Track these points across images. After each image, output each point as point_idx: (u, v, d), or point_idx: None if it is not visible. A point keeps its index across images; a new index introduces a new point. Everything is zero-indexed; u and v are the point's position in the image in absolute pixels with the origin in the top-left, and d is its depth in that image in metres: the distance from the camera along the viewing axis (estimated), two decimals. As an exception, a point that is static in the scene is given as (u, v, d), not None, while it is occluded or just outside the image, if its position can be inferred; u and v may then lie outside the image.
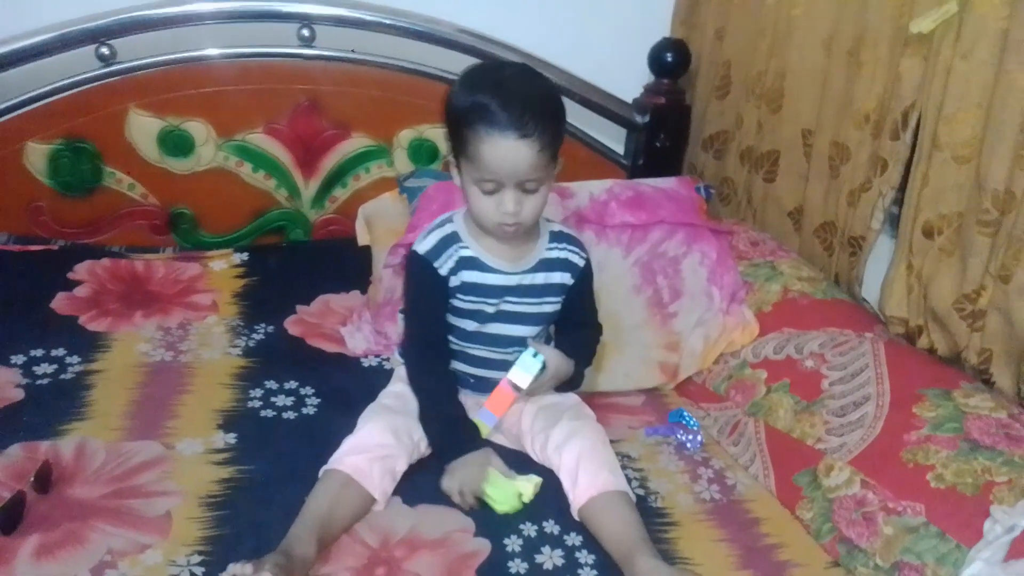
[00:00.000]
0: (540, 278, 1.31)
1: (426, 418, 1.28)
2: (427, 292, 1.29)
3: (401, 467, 1.20)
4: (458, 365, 1.35)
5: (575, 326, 1.37)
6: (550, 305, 1.33)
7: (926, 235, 1.43)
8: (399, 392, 1.33)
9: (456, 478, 1.20)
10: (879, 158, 1.52)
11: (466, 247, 1.28)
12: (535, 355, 1.29)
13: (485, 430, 1.28)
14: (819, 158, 1.69)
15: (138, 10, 1.66)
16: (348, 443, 1.19)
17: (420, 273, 1.28)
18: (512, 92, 1.16)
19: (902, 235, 1.48)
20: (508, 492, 1.20)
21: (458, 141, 1.21)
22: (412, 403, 1.30)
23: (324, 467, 1.17)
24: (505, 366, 1.31)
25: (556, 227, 1.37)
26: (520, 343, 1.32)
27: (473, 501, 1.19)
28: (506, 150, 1.16)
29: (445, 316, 1.31)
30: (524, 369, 1.29)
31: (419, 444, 1.26)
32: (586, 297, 1.38)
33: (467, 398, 1.34)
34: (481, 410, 1.29)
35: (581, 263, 1.35)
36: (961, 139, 1.34)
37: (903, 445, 1.21)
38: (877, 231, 1.56)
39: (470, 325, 1.31)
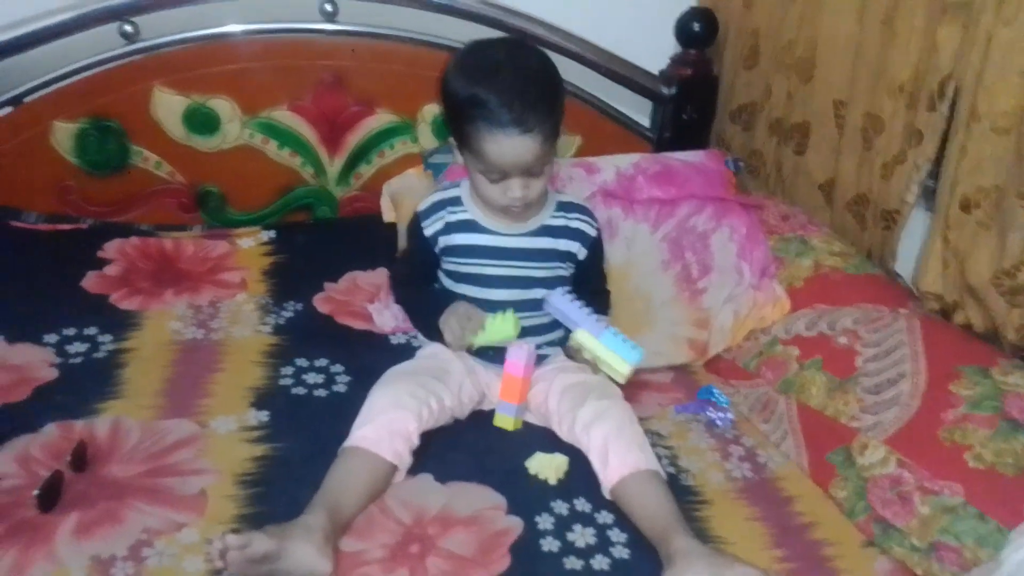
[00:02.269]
0: (543, 242, 1.33)
1: (417, 316, 1.40)
2: (412, 246, 1.39)
3: (412, 425, 1.18)
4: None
5: (588, 293, 1.38)
6: (557, 270, 1.34)
7: (963, 209, 1.40)
8: (417, 358, 1.36)
9: (450, 324, 1.26)
10: (914, 129, 1.49)
11: (464, 210, 1.31)
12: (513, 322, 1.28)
13: (510, 423, 1.26)
14: (851, 129, 1.65)
15: (160, -13, 1.66)
16: (356, 422, 1.20)
17: (411, 228, 1.38)
18: (510, 85, 1.16)
19: (938, 209, 1.45)
20: (501, 322, 1.24)
21: (459, 133, 1.22)
22: (426, 362, 1.32)
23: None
24: (521, 333, 1.31)
25: (565, 197, 1.39)
26: (531, 307, 1.33)
27: (474, 331, 1.25)
28: (509, 147, 1.17)
29: (425, 272, 1.39)
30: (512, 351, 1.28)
31: (443, 400, 1.25)
32: (598, 265, 1.42)
33: (488, 371, 1.34)
34: (498, 404, 1.29)
35: (593, 232, 1.37)
36: (1001, 109, 1.31)
37: (940, 424, 1.19)
38: (912, 205, 1.52)
39: (473, 290, 1.33)
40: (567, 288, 1.34)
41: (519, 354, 1.26)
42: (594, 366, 1.30)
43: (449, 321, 1.28)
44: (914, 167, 1.49)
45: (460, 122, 1.20)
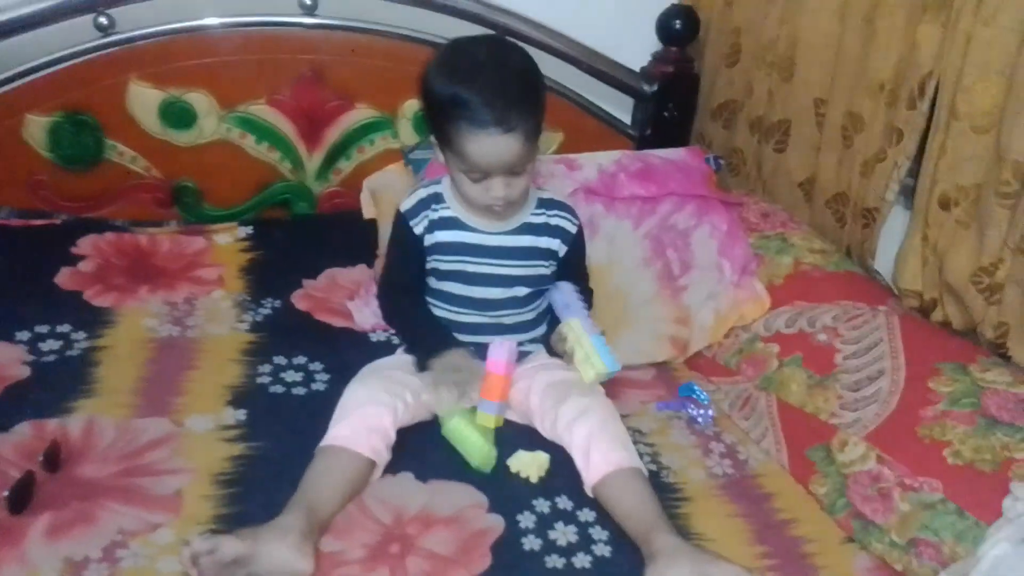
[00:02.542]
0: (525, 240, 1.32)
1: (405, 335, 1.37)
2: (402, 247, 1.35)
3: (388, 420, 1.18)
4: (453, 331, 1.35)
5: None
6: (539, 268, 1.34)
7: (942, 207, 1.40)
8: (395, 355, 1.36)
9: (441, 373, 1.23)
10: (894, 128, 1.49)
11: (447, 207, 1.31)
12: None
13: (491, 421, 1.26)
14: (832, 128, 1.66)
15: (136, -23, 1.63)
16: (331, 421, 1.18)
17: (398, 229, 1.34)
18: (491, 84, 1.16)
19: (917, 207, 1.46)
20: (480, 446, 1.20)
21: (440, 133, 1.21)
22: (403, 358, 1.33)
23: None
24: (501, 330, 1.32)
25: (546, 194, 1.38)
26: (513, 305, 1.33)
27: (457, 389, 1.21)
28: (491, 146, 1.16)
29: (418, 272, 1.35)
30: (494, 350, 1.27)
31: (419, 394, 1.24)
32: (580, 263, 1.41)
33: None
34: (479, 403, 1.27)
35: (574, 230, 1.37)
36: (980, 108, 1.32)
37: (919, 420, 1.20)
38: (891, 203, 1.53)
39: (456, 288, 1.33)
40: (577, 288, 1.35)
41: (500, 352, 1.25)
42: (569, 357, 1.29)
43: (438, 376, 1.24)
44: (894, 165, 1.50)
45: (441, 121, 1.19)
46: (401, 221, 1.33)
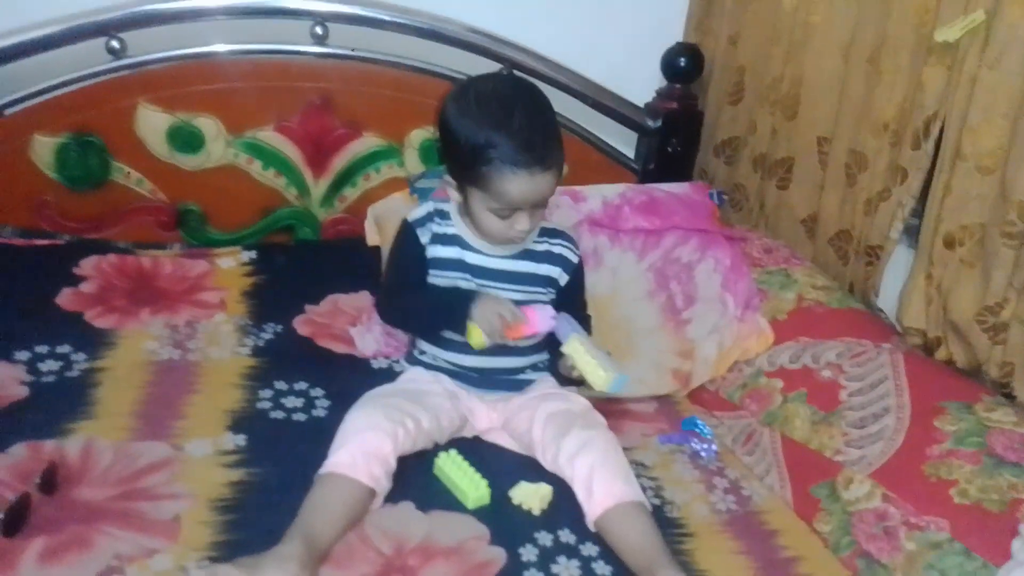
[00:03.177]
0: (524, 266, 1.33)
1: (425, 311, 1.33)
2: (406, 254, 1.34)
3: (388, 447, 1.16)
4: (454, 357, 1.34)
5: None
6: (536, 295, 1.34)
7: (947, 246, 1.41)
8: (396, 382, 1.34)
9: (487, 312, 1.21)
10: (898, 167, 1.51)
11: (451, 224, 1.32)
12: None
13: (480, 342, 1.24)
14: (835, 166, 1.67)
15: (149, 3, 1.63)
16: (331, 448, 1.17)
17: (404, 236, 1.34)
18: (524, 124, 1.18)
19: (922, 245, 1.47)
20: (475, 485, 1.18)
21: (470, 175, 1.22)
22: (404, 385, 1.32)
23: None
24: (500, 351, 1.30)
25: (549, 224, 1.39)
26: None
27: (512, 323, 1.21)
28: (530, 184, 1.19)
29: (420, 281, 1.33)
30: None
31: (420, 421, 1.23)
32: (580, 292, 1.42)
33: (471, 396, 1.33)
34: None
35: (575, 259, 1.38)
36: (985, 149, 1.33)
37: (925, 459, 1.19)
38: (896, 241, 1.54)
39: None
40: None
41: (544, 315, 1.26)
42: (580, 375, 1.27)
43: (484, 311, 1.23)
44: (898, 204, 1.51)
45: (473, 164, 1.20)
46: (408, 229, 1.33)
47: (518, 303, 1.30)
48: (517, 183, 1.18)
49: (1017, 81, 1.27)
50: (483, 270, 1.31)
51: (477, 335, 1.24)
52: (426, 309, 1.34)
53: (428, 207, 1.34)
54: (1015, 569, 0.98)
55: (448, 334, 1.33)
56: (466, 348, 1.33)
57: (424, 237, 1.32)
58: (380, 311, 1.43)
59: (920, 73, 1.44)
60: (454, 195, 1.28)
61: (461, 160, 1.22)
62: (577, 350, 1.25)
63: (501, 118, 1.18)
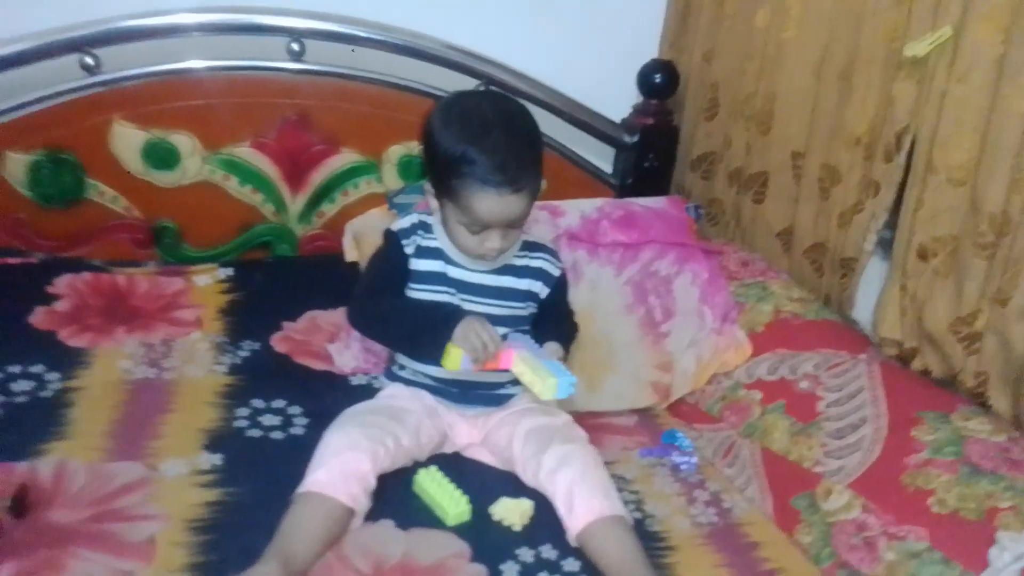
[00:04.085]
0: (505, 281, 1.33)
1: (404, 325, 1.29)
2: (388, 260, 1.33)
3: (367, 466, 1.15)
4: (434, 371, 1.32)
5: (553, 323, 1.39)
6: (516, 309, 1.34)
7: (920, 257, 1.43)
8: (375, 399, 1.33)
9: (470, 334, 1.19)
10: (871, 180, 1.52)
11: (434, 238, 1.31)
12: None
13: (456, 365, 1.21)
14: (809, 180, 1.69)
15: (123, 20, 1.62)
16: (309, 467, 1.16)
17: (389, 244, 1.33)
18: (503, 145, 1.19)
19: (896, 257, 1.48)
20: (455, 502, 1.17)
21: (445, 187, 1.22)
22: (383, 402, 1.30)
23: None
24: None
25: (530, 237, 1.39)
26: None
27: (492, 349, 1.19)
28: (500, 204, 1.19)
29: (398, 286, 1.32)
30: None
31: (400, 439, 1.22)
32: (563, 303, 1.42)
33: (451, 412, 1.32)
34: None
35: (557, 273, 1.38)
36: (956, 162, 1.35)
37: (903, 469, 1.20)
38: (869, 253, 1.56)
39: None
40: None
41: (518, 347, 1.23)
42: (527, 388, 1.24)
43: (468, 334, 1.20)
44: (871, 216, 1.53)
45: (447, 176, 1.21)
46: (393, 238, 1.33)
47: (497, 319, 1.30)
48: (486, 201, 1.19)
49: (985, 95, 1.30)
50: (463, 284, 1.31)
51: (455, 357, 1.21)
52: (404, 320, 1.31)
53: (413, 218, 1.34)
54: (993, 577, 0.99)
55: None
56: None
57: (409, 248, 1.31)
58: (350, 314, 1.36)
59: (891, 88, 1.46)
60: (433, 203, 1.28)
61: (437, 170, 1.23)
62: (518, 367, 1.22)
63: (479, 135, 1.19)
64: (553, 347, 1.30)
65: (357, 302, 1.36)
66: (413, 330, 1.29)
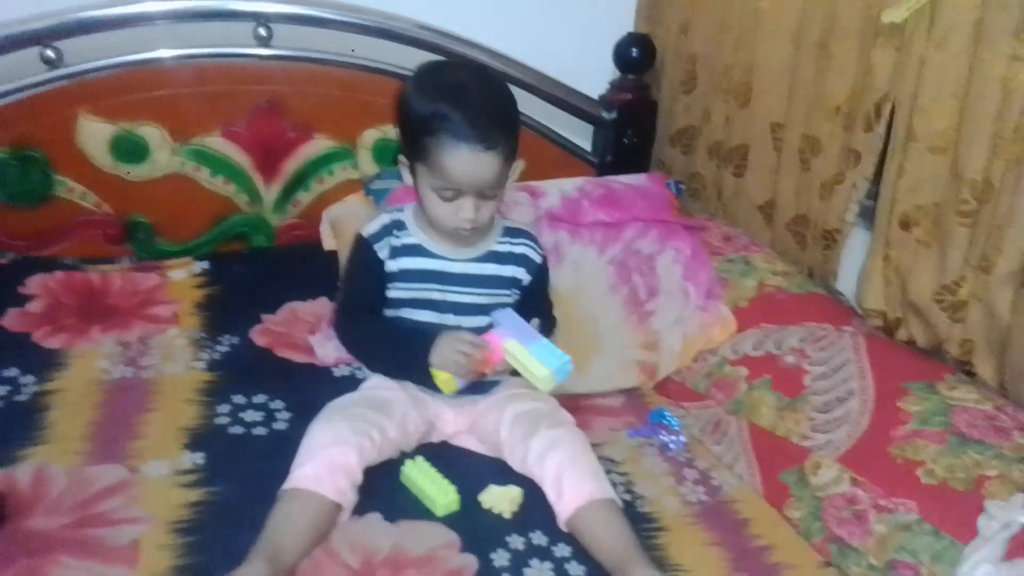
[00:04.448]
0: (489, 268, 1.31)
1: (383, 351, 1.30)
2: (363, 270, 1.32)
3: (354, 460, 1.14)
4: None
5: (535, 317, 1.34)
6: (502, 297, 1.33)
7: (903, 227, 1.42)
8: (359, 390, 1.31)
9: (447, 353, 1.20)
10: (852, 150, 1.51)
11: (410, 235, 1.29)
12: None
13: (452, 387, 1.22)
14: (789, 151, 1.68)
15: (83, 10, 1.58)
16: (294, 462, 1.14)
17: (359, 251, 1.31)
18: (476, 102, 1.17)
19: (878, 227, 1.47)
20: (443, 492, 1.16)
21: (417, 147, 1.20)
22: (367, 394, 1.28)
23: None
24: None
25: (511, 223, 1.38)
26: (477, 333, 1.28)
27: (479, 356, 1.19)
28: (472, 163, 1.16)
29: (380, 297, 1.31)
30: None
31: (386, 431, 1.21)
32: (544, 292, 1.40)
33: (437, 401, 1.31)
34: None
35: (538, 259, 1.36)
36: (937, 130, 1.34)
37: (891, 441, 1.20)
38: (851, 224, 1.55)
39: (417, 315, 1.30)
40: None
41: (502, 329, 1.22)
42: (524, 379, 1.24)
43: (444, 353, 1.21)
44: (852, 187, 1.52)
45: (420, 136, 1.18)
46: (364, 245, 1.30)
47: (483, 307, 1.28)
48: (459, 159, 1.16)
49: (964, 61, 1.28)
50: (448, 275, 1.29)
51: (446, 380, 1.22)
52: (384, 354, 1.31)
53: (383, 220, 1.31)
54: (981, 546, 0.99)
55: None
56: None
57: (383, 252, 1.29)
58: (339, 335, 1.36)
59: (869, 56, 1.45)
60: (407, 177, 1.26)
61: (410, 133, 1.21)
62: (511, 355, 1.21)
63: (454, 93, 1.18)
64: (537, 323, 1.28)
65: (341, 322, 1.36)
66: (396, 363, 1.30)
